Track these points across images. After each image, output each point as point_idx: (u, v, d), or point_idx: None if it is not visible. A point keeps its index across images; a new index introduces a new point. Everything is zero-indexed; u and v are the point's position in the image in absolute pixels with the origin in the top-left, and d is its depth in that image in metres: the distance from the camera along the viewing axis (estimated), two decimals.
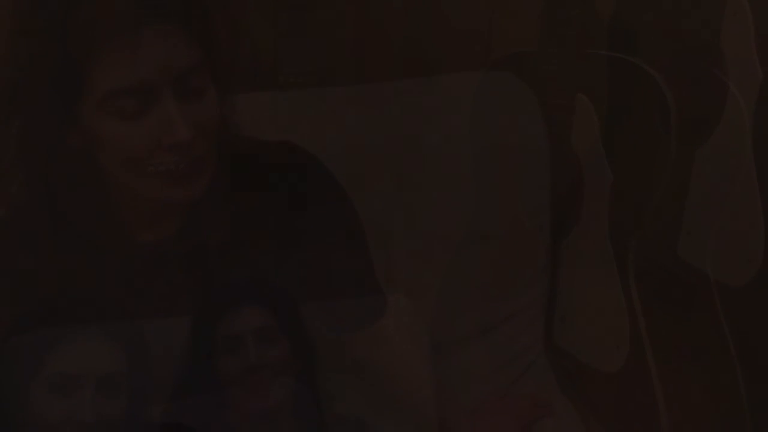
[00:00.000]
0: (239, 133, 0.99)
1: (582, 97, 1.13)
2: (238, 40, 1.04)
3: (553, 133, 1.32)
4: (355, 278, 1.06)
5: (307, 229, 0.99)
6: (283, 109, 1.23)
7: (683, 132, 1.09)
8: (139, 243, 0.97)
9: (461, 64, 1.36)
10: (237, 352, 0.92)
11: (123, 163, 0.87)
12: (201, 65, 0.86)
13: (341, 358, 1.08)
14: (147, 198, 0.92)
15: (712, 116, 1.12)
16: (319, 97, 1.26)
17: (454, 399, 1.21)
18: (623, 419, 1.23)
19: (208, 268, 0.97)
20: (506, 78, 1.34)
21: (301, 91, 1.25)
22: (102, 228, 0.95)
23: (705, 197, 1.12)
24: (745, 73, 1.10)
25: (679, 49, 1.16)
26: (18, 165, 0.93)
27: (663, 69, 1.09)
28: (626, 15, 1.21)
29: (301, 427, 0.98)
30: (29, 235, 0.96)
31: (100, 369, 0.89)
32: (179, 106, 0.84)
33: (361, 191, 1.10)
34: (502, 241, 1.31)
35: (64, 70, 0.83)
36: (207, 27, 0.87)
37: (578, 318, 1.31)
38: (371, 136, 1.24)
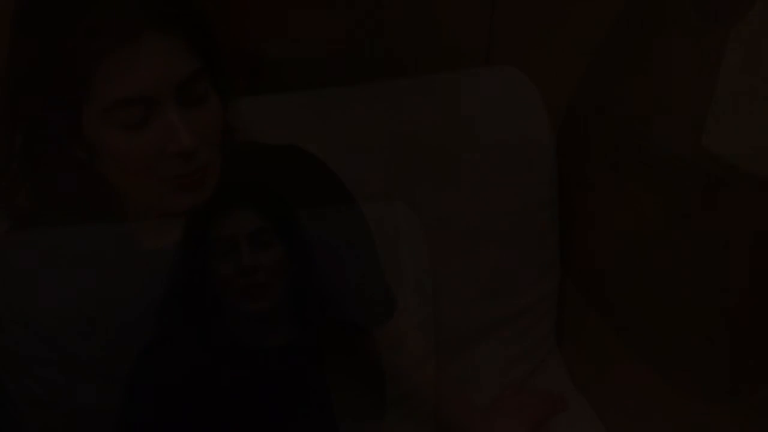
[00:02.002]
0: (244, 138, 0.98)
1: None
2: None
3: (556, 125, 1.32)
4: (364, 281, 1.06)
5: (314, 232, 0.99)
6: (287, 111, 1.22)
7: (718, 8, 1.02)
8: (146, 250, 0.96)
9: (461, 60, 1.36)
10: (231, 255, 0.91)
11: (127, 172, 0.87)
12: (202, 72, 0.85)
13: (349, 358, 1.08)
14: (152, 206, 0.92)
15: None
16: (321, 98, 1.25)
17: (466, 395, 1.21)
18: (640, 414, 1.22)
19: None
20: (508, 72, 1.33)
21: (303, 92, 1.25)
22: (107, 236, 0.95)
23: (738, 80, 1.03)
24: None
25: None
26: (22, 175, 0.93)
27: None
28: None
29: (297, 331, 0.98)
30: (34, 244, 0.96)
31: None
32: (182, 114, 0.83)
33: (366, 193, 1.10)
34: (509, 237, 1.31)
35: (65, 81, 0.82)
36: (206, 34, 0.87)
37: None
38: (373, 135, 1.24)
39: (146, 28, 0.80)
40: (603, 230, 1.30)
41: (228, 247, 0.91)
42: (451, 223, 1.28)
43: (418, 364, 1.16)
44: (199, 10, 0.87)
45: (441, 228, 1.26)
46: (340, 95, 1.27)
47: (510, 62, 1.34)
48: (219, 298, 0.93)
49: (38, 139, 0.89)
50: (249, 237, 0.91)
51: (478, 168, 1.28)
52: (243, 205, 0.93)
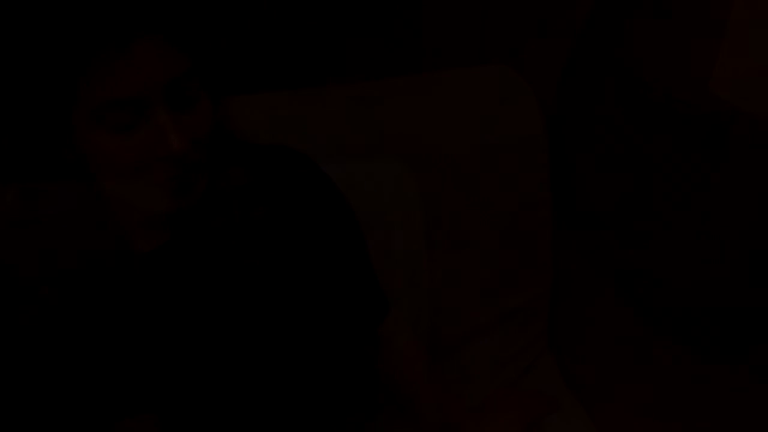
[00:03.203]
0: (234, 139, 0.98)
1: None
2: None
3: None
4: (356, 282, 1.05)
5: (305, 233, 0.98)
6: (284, 110, 1.22)
7: None
8: (136, 252, 0.96)
9: (457, 60, 1.35)
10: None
11: (116, 175, 0.86)
12: (192, 74, 0.84)
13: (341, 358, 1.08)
14: (142, 209, 0.91)
15: None
16: (317, 97, 1.25)
17: (458, 396, 1.21)
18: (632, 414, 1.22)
19: (205, 272, 0.96)
20: (502, 72, 1.33)
21: (299, 91, 1.24)
22: (98, 239, 0.95)
23: (748, 21, 1.00)
24: None
25: None
26: (11, 177, 0.93)
27: None
28: None
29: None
30: (25, 247, 0.95)
31: None
32: (172, 116, 0.83)
33: (359, 192, 1.09)
34: (504, 236, 1.31)
35: (54, 84, 0.81)
36: (196, 36, 0.86)
37: None
38: (368, 134, 1.24)
39: (135, 30, 0.79)
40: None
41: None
42: (445, 223, 1.28)
43: (411, 364, 1.16)
44: (189, 11, 0.86)
45: (435, 227, 1.26)
46: (333, 94, 1.26)
47: (504, 61, 1.34)
48: None
49: (27, 141, 0.88)
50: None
51: (474, 167, 1.28)
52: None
